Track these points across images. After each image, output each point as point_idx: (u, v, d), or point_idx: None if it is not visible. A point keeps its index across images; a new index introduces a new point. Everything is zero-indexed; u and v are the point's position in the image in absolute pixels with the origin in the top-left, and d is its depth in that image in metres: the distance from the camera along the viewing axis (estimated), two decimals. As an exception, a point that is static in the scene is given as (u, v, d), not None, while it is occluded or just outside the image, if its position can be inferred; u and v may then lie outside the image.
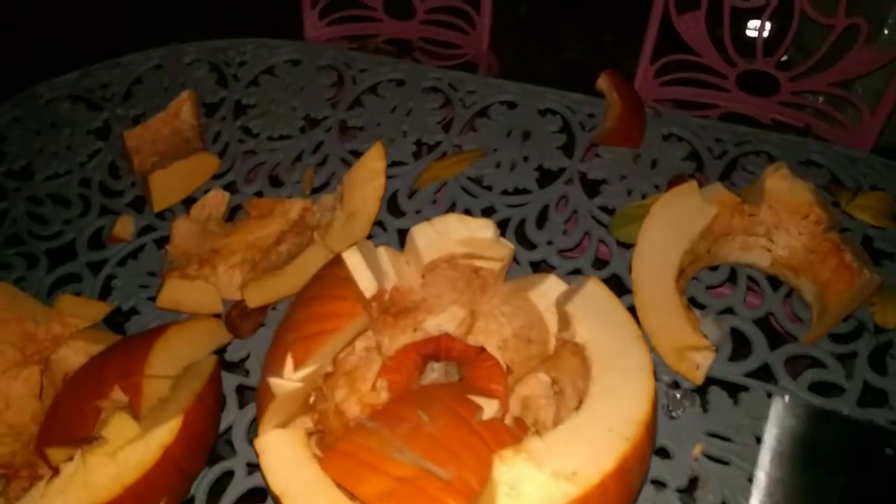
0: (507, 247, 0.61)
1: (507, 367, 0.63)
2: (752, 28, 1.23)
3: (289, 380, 0.52)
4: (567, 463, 0.46)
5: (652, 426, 0.52)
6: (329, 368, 0.56)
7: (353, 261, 0.56)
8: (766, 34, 1.15)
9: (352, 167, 0.75)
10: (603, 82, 0.87)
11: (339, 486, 0.50)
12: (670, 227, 0.70)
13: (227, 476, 0.65)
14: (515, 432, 0.55)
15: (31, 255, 0.83)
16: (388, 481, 0.48)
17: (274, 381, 0.52)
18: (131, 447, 0.52)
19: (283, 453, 0.53)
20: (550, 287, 0.61)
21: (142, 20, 1.95)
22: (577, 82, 0.97)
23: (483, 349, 0.63)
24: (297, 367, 0.52)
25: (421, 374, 0.62)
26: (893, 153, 0.86)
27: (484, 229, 0.61)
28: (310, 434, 0.57)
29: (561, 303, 0.58)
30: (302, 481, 0.52)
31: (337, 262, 0.58)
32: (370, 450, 0.50)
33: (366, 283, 0.56)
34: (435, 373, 0.64)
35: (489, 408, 0.54)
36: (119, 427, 0.52)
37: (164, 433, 0.54)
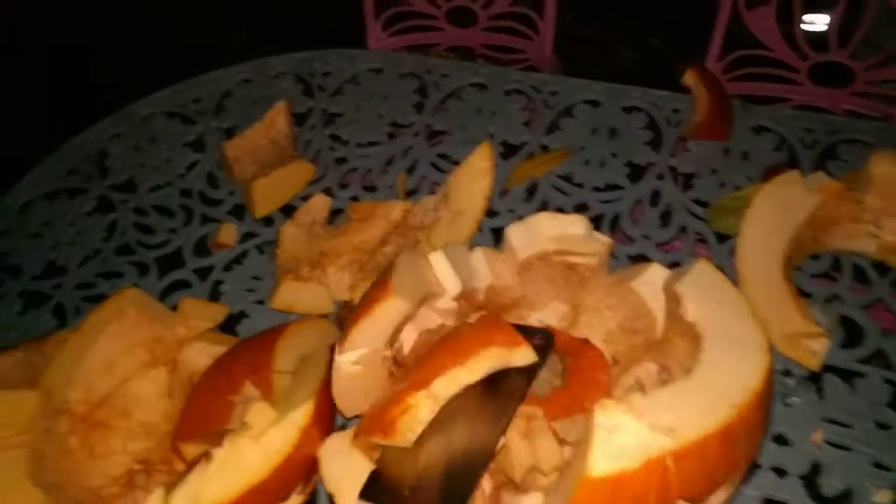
0: (602, 242, 0.61)
1: (613, 358, 0.63)
2: (808, 22, 1.22)
3: (346, 360, 0.57)
4: (667, 418, 0.45)
5: (765, 401, 0.50)
6: (387, 353, 0.59)
7: (439, 263, 0.58)
8: (825, 26, 1.15)
9: (458, 167, 0.77)
10: (689, 77, 0.88)
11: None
12: (774, 217, 0.70)
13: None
14: (476, 324, 0.57)
15: (141, 264, 0.87)
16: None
17: (337, 360, 0.57)
18: (273, 431, 0.55)
19: (340, 457, 0.56)
20: (654, 274, 0.61)
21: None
22: (628, 83, 0.97)
23: (587, 341, 0.63)
24: (350, 347, 0.56)
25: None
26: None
27: (576, 225, 0.61)
28: None
29: (669, 284, 0.58)
30: (355, 485, 0.53)
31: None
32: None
33: (449, 283, 0.59)
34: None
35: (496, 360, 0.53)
36: (259, 413, 0.55)
37: (300, 416, 0.56)
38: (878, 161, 0.70)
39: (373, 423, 0.51)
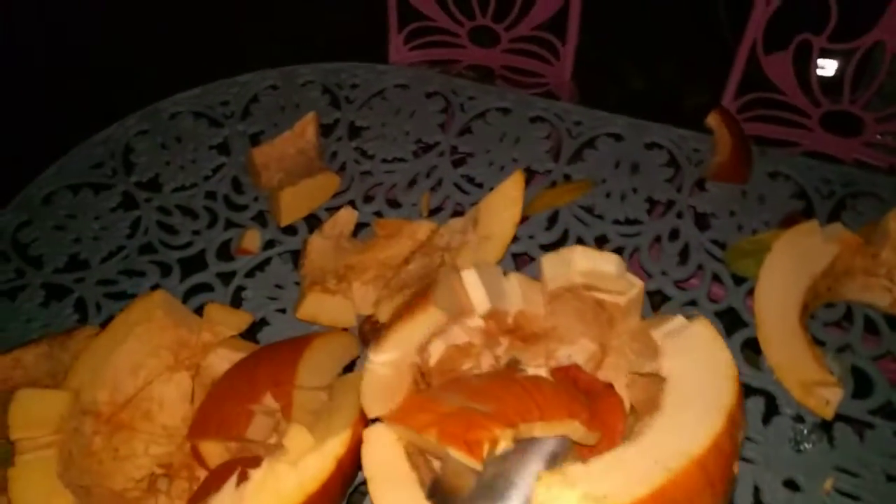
0: (633, 283, 0.61)
1: (632, 405, 0.63)
2: (822, 67, 1.25)
3: (377, 361, 0.59)
4: (601, 486, 0.46)
5: (713, 466, 0.49)
6: (417, 359, 0.61)
7: (470, 280, 0.60)
8: (832, 74, 1.17)
9: (490, 193, 0.78)
10: (713, 119, 0.90)
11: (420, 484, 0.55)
12: (793, 265, 0.72)
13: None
14: (558, 386, 0.59)
15: (164, 264, 0.87)
16: (433, 416, 0.54)
17: (370, 359, 0.59)
18: (311, 458, 0.55)
19: (382, 445, 0.57)
20: (674, 324, 0.59)
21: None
22: (640, 112, 1.00)
23: (611, 385, 0.63)
24: (383, 351, 0.59)
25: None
26: None
27: (609, 263, 0.61)
28: None
29: (661, 336, 0.58)
30: (389, 472, 0.56)
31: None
32: (423, 398, 0.57)
33: (479, 300, 0.60)
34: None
35: (574, 432, 0.55)
36: (297, 438, 0.56)
37: (337, 444, 0.57)
38: (894, 217, 0.73)
39: (451, 429, 0.53)
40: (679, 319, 0.59)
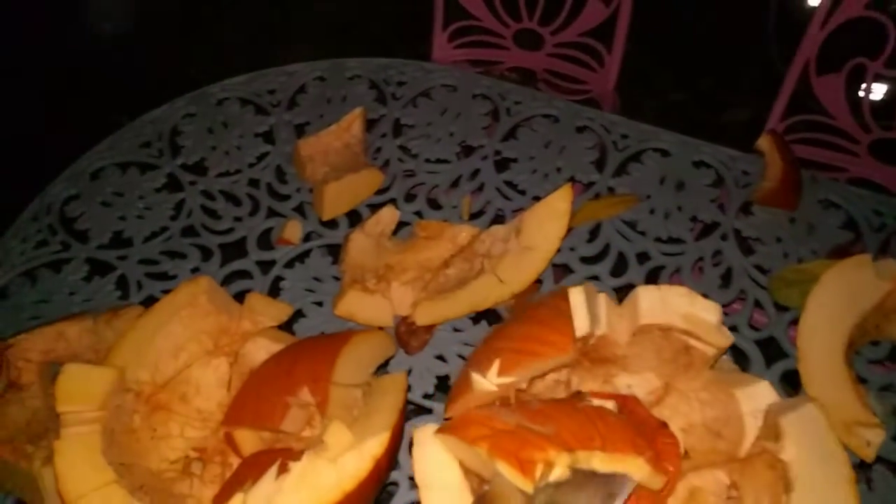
0: (726, 337, 0.60)
1: (686, 451, 0.63)
2: (873, 92, 1.23)
3: (489, 381, 0.57)
4: None
5: None
6: (524, 385, 0.60)
7: (577, 300, 0.59)
8: (883, 98, 1.15)
9: (537, 203, 0.78)
10: (765, 143, 0.89)
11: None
12: (842, 299, 0.71)
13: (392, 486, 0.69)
14: (624, 419, 0.57)
15: (205, 248, 0.88)
16: (487, 430, 0.53)
17: (476, 378, 0.57)
18: (349, 455, 0.56)
19: (434, 450, 0.58)
20: (761, 391, 0.60)
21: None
22: (678, 125, 0.99)
23: (665, 424, 0.61)
24: (500, 373, 0.57)
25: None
26: None
27: (710, 312, 0.60)
28: None
29: (773, 413, 0.58)
30: (441, 480, 0.56)
31: (565, 295, 0.60)
32: (480, 412, 0.57)
33: (581, 323, 0.59)
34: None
35: (637, 470, 0.54)
36: (337, 435, 0.56)
37: (376, 445, 0.57)
38: (947, 258, 0.71)
39: (504, 445, 0.52)
40: (765, 384, 0.60)
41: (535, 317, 0.61)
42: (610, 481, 0.52)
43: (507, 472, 0.50)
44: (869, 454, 0.64)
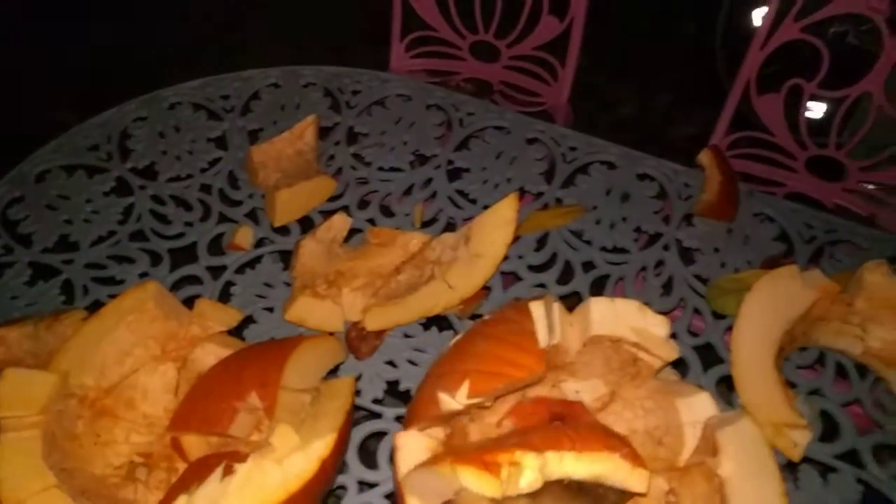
0: (673, 350, 0.63)
1: None
2: (810, 111, 1.28)
3: (458, 402, 0.57)
4: None
5: None
6: (489, 403, 0.61)
7: (538, 314, 0.61)
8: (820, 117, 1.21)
9: (484, 212, 0.80)
10: (705, 157, 0.93)
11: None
12: (772, 307, 0.75)
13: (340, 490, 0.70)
14: (593, 423, 0.59)
15: (154, 253, 0.87)
16: (453, 455, 0.52)
17: (444, 398, 0.58)
18: (295, 456, 0.56)
19: (414, 452, 0.59)
20: (701, 403, 0.63)
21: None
22: (628, 137, 1.03)
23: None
24: (470, 395, 0.57)
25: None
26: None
27: (660, 327, 0.63)
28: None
29: (712, 426, 0.61)
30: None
31: (523, 309, 0.62)
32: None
33: (543, 336, 0.60)
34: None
35: (615, 469, 0.54)
36: (284, 437, 0.57)
37: (322, 446, 0.58)
38: (870, 269, 0.76)
39: (467, 455, 0.51)
40: (705, 395, 0.63)
41: (497, 335, 0.62)
42: (595, 498, 0.52)
43: (472, 478, 0.48)
44: (796, 454, 0.67)
